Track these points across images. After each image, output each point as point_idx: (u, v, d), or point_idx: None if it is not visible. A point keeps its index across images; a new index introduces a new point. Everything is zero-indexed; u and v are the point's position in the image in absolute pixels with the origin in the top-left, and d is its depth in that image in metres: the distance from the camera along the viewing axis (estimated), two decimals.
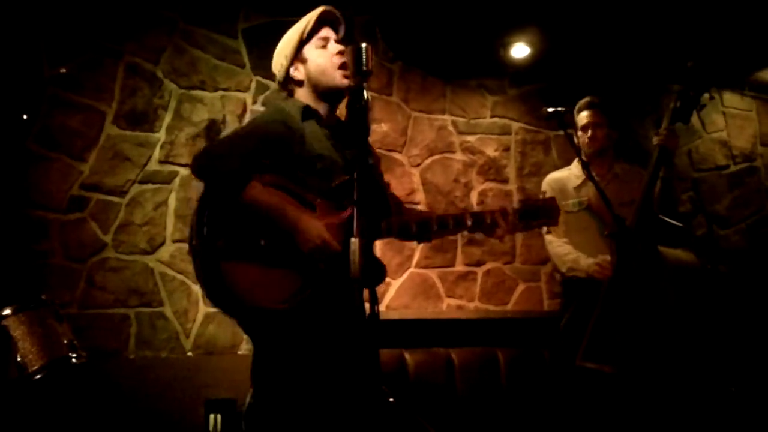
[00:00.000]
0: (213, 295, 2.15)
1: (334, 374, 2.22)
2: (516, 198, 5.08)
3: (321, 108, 2.40)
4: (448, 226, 2.30)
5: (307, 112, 2.37)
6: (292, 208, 2.16)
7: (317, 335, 2.20)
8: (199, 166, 2.25)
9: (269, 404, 2.24)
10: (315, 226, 2.14)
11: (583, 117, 3.62)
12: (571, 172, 3.71)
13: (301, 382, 2.19)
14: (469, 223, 2.29)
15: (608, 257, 3.33)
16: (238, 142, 2.31)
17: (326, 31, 2.41)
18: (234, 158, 2.18)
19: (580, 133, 3.55)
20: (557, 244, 3.60)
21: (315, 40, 2.39)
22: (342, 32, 2.45)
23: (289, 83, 2.44)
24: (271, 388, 2.24)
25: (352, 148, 2.25)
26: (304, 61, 2.39)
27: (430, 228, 2.28)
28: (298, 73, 2.41)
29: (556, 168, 4.01)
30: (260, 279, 2.12)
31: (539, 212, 2.29)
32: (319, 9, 2.40)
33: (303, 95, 2.42)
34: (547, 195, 3.58)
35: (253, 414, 2.29)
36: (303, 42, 2.39)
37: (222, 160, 2.20)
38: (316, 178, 2.24)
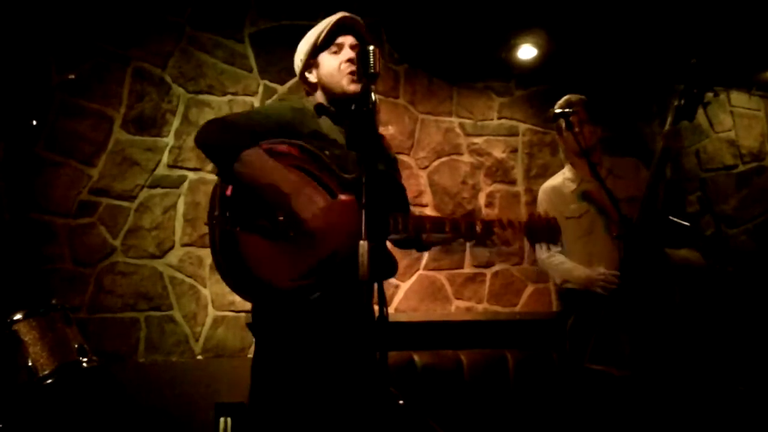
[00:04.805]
0: (227, 268, 2.10)
1: (337, 374, 2.23)
2: (524, 200, 5.09)
3: (334, 109, 2.43)
4: (459, 230, 2.33)
5: (321, 108, 2.41)
6: (292, 179, 2.14)
7: (321, 331, 2.21)
8: (206, 135, 2.20)
9: (267, 404, 2.24)
10: (310, 199, 2.12)
11: None
12: (565, 177, 3.68)
13: (302, 381, 2.19)
14: (479, 229, 2.33)
15: (604, 269, 3.32)
16: (249, 120, 2.31)
17: (342, 38, 2.41)
18: (244, 134, 2.17)
19: (565, 133, 3.51)
20: (549, 254, 3.57)
21: (330, 46, 2.40)
22: (359, 39, 2.44)
23: (304, 83, 2.49)
24: (269, 386, 2.25)
25: (360, 150, 2.26)
26: (317, 66, 2.42)
27: (443, 230, 2.31)
28: (311, 76, 2.45)
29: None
30: (272, 255, 2.10)
31: (543, 231, 2.40)
32: (337, 15, 2.42)
33: (318, 97, 2.45)
34: (546, 204, 3.65)
35: (251, 413, 2.30)
36: (318, 47, 2.41)
37: (231, 133, 2.18)
38: (333, 162, 2.24)
